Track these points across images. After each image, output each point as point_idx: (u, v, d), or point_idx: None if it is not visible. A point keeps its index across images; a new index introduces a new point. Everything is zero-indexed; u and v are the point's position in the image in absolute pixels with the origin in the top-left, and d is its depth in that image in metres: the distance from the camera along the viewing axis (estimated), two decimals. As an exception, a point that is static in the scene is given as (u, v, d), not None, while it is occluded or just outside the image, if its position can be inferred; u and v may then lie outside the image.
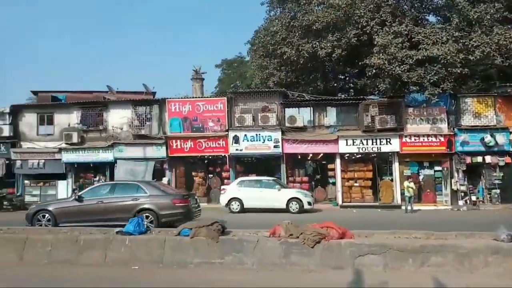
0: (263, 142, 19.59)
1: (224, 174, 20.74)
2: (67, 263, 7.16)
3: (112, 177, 20.82)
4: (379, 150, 19.07)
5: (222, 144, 20.01)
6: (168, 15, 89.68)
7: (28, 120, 21.96)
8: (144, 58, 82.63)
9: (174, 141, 20.26)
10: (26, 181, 21.67)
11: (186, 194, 12.27)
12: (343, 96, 25.85)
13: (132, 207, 10.62)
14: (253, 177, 18.30)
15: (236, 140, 19.74)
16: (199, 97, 21.92)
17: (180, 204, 10.85)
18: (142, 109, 21.12)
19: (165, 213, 10.57)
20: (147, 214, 10.28)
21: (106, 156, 20.67)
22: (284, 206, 16.23)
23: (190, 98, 22.08)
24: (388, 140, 18.90)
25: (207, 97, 22.85)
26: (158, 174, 20.56)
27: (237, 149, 19.78)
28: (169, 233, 7.94)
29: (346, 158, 19.90)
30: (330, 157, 19.93)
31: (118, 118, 21.12)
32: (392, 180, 19.15)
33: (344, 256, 6.56)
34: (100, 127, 21.25)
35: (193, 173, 21.19)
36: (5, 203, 19.76)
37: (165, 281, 6.13)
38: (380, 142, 18.99)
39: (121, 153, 20.56)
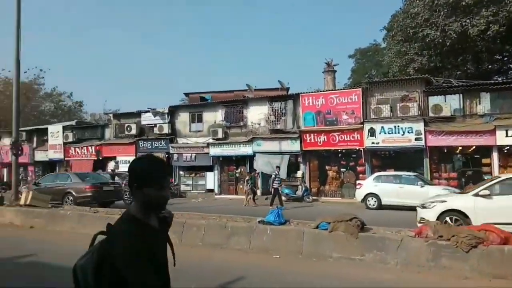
0: (402, 135, 18.26)
1: (358, 169, 20.07)
2: (218, 247, 7.97)
3: (251, 169, 22.29)
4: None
5: (357, 137, 19.38)
6: (299, 7, 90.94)
7: (182, 119, 25.11)
8: (277, 54, 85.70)
9: (307, 135, 20.51)
10: (181, 172, 24.88)
11: (100, 182, 15.84)
12: (500, 79, 22.19)
13: (62, 190, 14.99)
14: (392, 172, 17.21)
15: (372, 132, 18.88)
16: (332, 90, 21.67)
17: (91, 190, 14.73)
18: (278, 105, 21.98)
19: (79, 195, 14.58)
20: (69, 196, 14.77)
21: (246, 150, 22.20)
22: (428, 205, 14.82)
23: (323, 91, 21.99)
24: None
25: (341, 89, 22.41)
26: (292, 167, 21.15)
27: (373, 142, 18.90)
28: (307, 226, 8.11)
29: (506, 151, 17.07)
30: (484, 150, 17.37)
31: (256, 114, 22.47)
32: None
33: (508, 265, 5.67)
34: (241, 123, 22.93)
35: (327, 167, 21.10)
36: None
37: (308, 273, 6.26)
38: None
39: (259, 147, 21.79)
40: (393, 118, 18.54)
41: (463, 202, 8.98)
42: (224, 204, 17.73)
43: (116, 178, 19.96)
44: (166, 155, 24.77)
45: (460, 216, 8.74)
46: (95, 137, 28.23)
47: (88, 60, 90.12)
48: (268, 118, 22.07)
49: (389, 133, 18.50)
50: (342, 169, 20.87)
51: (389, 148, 19.05)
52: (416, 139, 17.91)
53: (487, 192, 8.61)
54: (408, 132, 18.09)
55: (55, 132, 29.33)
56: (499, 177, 9.73)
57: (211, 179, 23.68)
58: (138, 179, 1.73)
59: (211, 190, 23.41)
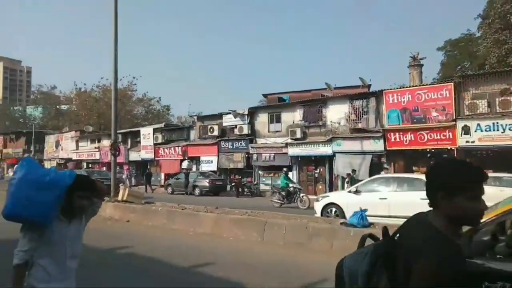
0: (502, 132, 16.39)
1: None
2: (299, 246, 7.94)
3: (331, 170, 21.86)
4: None
5: (449, 135, 17.87)
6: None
7: (261, 120, 25.56)
8: (358, 50, 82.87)
9: (392, 133, 19.46)
10: (260, 172, 25.34)
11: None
12: None
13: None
14: (491, 174, 15.51)
15: (466, 130, 17.25)
16: (419, 85, 20.26)
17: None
18: (359, 103, 21.22)
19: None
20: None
21: (325, 150, 21.81)
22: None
23: (409, 87, 20.67)
24: None
25: (429, 84, 20.85)
26: (375, 168, 20.23)
27: (467, 141, 17.25)
28: (392, 229, 7.68)
29: None
30: None
31: (336, 113, 21.97)
32: None
33: None
34: (320, 122, 22.59)
35: (414, 168, 19.74)
36: (245, 190, 23.61)
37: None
38: None
39: (339, 147, 21.25)
40: (491, 114, 16.75)
41: (339, 197, 11.44)
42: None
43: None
44: (246, 155, 25.42)
45: (338, 208, 10.85)
46: (182, 138, 30.06)
47: (173, 67, 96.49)
48: (349, 117, 21.42)
49: (486, 131, 16.75)
50: (431, 170, 19.38)
51: (486, 148, 17.24)
52: (520, 137, 15.95)
53: (354, 189, 10.88)
54: (510, 129, 16.19)
55: (146, 134, 31.86)
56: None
57: (290, 179, 23.68)
58: (448, 185, 1.42)
59: (290, 190, 23.42)
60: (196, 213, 10.53)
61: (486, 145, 16.97)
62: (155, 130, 31.75)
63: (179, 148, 29.16)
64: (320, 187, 22.41)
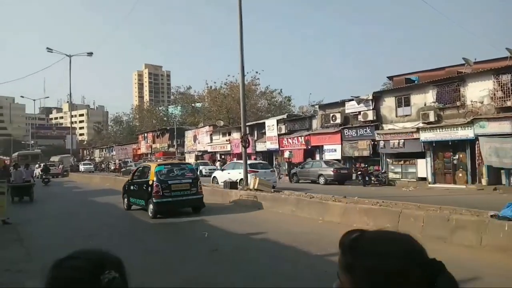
0: None
1: None
2: (440, 240, 7.29)
3: (473, 156, 19.39)
4: None
5: None
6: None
7: (387, 104, 24.06)
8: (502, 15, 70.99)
9: (554, 110, 16.25)
10: (388, 160, 23.95)
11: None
12: None
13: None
14: None
15: None
16: None
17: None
18: (507, 78, 18.20)
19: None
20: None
21: (465, 133, 19.41)
22: None
23: None
24: None
25: None
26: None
27: None
28: None
29: None
30: None
31: (477, 92, 19.30)
32: None
33: None
34: (457, 103, 20.16)
35: None
36: (372, 178, 22.61)
37: None
38: None
39: (483, 129, 18.65)
40: None
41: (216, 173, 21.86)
42: (441, 194, 16.07)
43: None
44: (372, 142, 24.32)
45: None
46: (304, 128, 30.37)
47: (293, 58, 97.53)
48: (494, 94, 18.60)
49: None
50: None
51: None
52: None
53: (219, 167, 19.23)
54: None
55: (271, 126, 33.12)
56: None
57: (423, 167, 21.83)
58: None
59: (423, 179, 21.60)
60: (324, 202, 10.56)
61: None
62: (278, 121, 32.76)
63: (302, 137, 29.52)
64: (460, 175, 20.08)
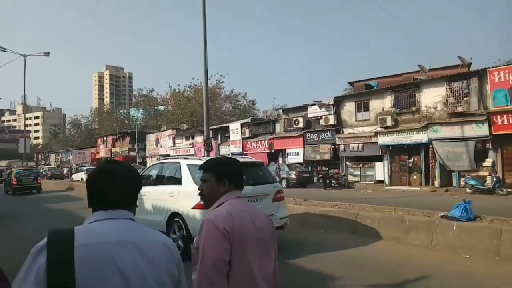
0: None
1: None
2: (394, 241, 7.57)
3: (427, 159, 20.33)
4: None
5: None
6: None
7: (348, 109, 24.76)
8: (455, 26, 75.34)
9: (499, 116, 17.37)
10: (348, 163, 24.62)
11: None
12: None
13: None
14: None
15: None
16: (532, 60, 17.72)
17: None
18: (458, 84, 19.31)
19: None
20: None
21: (420, 137, 20.34)
22: None
23: (519, 62, 18.20)
24: None
25: (544, 57, 18.12)
26: (479, 155, 18.31)
27: None
28: (505, 223, 6.91)
29: None
30: None
31: (431, 97, 20.32)
32: None
33: None
34: (413, 108, 21.10)
35: (528, 154, 17.45)
36: (333, 181, 23.16)
37: (509, 278, 5.33)
38: None
39: (436, 133, 19.63)
40: None
41: None
42: (396, 196, 16.69)
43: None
44: (333, 146, 24.91)
45: None
46: (267, 131, 30.61)
47: (257, 62, 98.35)
48: (447, 100, 19.65)
49: None
50: (549, 156, 16.93)
51: None
52: None
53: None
54: None
55: (235, 129, 33.11)
56: None
57: (380, 170, 22.66)
58: None
59: (381, 181, 22.40)
60: (286, 205, 10.64)
61: None
62: (242, 125, 32.82)
63: (266, 141, 29.74)
64: (415, 177, 21.01)
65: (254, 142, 31.01)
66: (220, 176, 1.78)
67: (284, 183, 23.15)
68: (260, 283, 1.64)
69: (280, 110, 31.47)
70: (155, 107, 60.79)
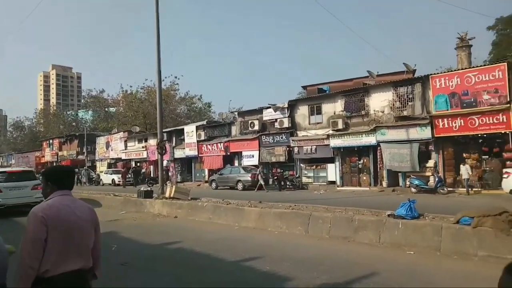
0: None
1: (505, 155, 17.33)
2: (345, 240, 7.83)
3: (375, 160, 21.26)
4: None
5: (502, 119, 16.77)
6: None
7: (302, 112, 25.31)
8: (401, 34, 79.61)
9: (440, 120, 18.57)
10: (302, 165, 25.15)
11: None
12: None
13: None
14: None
15: (522, 113, 16.10)
16: (469, 68, 19.13)
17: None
18: (404, 90, 20.40)
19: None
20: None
21: (369, 140, 21.23)
22: None
23: (458, 70, 19.57)
24: None
25: (479, 66, 19.63)
26: (423, 156, 19.45)
27: (524, 124, 16.11)
28: (445, 220, 7.39)
29: None
30: None
31: (379, 102, 21.29)
32: None
33: None
34: (362, 112, 21.99)
35: (464, 155, 18.74)
36: (287, 183, 23.54)
37: (448, 272, 5.70)
38: None
39: (384, 136, 20.60)
40: (552, 94, 15.48)
41: None
42: (347, 196, 17.31)
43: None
44: (287, 148, 25.33)
45: None
46: (223, 134, 30.51)
47: (213, 64, 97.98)
48: (393, 104, 20.68)
49: (546, 112, 15.53)
50: (483, 157, 18.34)
51: (546, 130, 16.00)
52: None
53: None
54: None
55: (190, 132, 32.66)
56: None
57: (332, 171, 23.38)
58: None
59: (333, 182, 23.11)
60: (241, 208, 10.69)
61: (547, 128, 15.73)
62: (197, 128, 32.46)
63: (221, 144, 29.63)
64: (365, 178, 21.89)
65: (209, 145, 30.78)
66: (47, 180, 2.53)
67: (240, 185, 23.26)
68: (72, 255, 2.35)
69: (236, 113, 31.51)
70: (106, 109, 58.50)
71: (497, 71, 17.12)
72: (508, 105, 16.51)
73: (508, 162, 16.85)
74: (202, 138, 31.47)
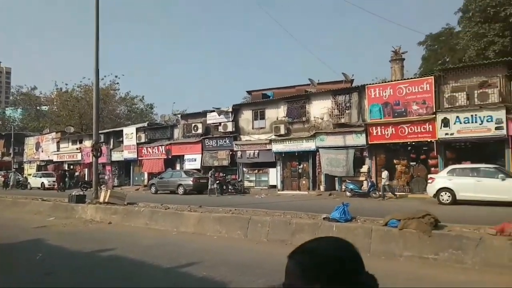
0: (480, 124, 16.76)
1: (430, 162, 18.83)
2: (282, 243, 7.96)
3: (314, 165, 21.99)
4: None
5: (429, 128, 18.19)
6: None
7: (245, 117, 25.50)
8: (341, 45, 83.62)
9: (374, 128, 19.70)
10: (244, 169, 25.29)
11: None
12: None
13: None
14: (468, 165, 15.86)
15: (445, 123, 17.58)
16: (400, 80, 20.53)
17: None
18: (342, 98, 21.38)
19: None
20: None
21: (309, 145, 21.92)
22: (511, 199, 13.45)
23: (391, 81, 20.91)
24: None
25: (410, 78, 21.16)
26: (358, 162, 20.48)
27: (446, 134, 17.59)
28: (375, 223, 7.79)
29: None
30: None
31: (319, 109, 22.09)
32: None
33: None
34: (303, 118, 22.67)
35: (395, 161, 20.06)
36: (229, 187, 23.53)
37: (376, 272, 5.99)
38: None
39: (323, 142, 21.39)
40: (470, 107, 17.10)
41: None
42: (287, 200, 17.69)
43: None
44: (230, 152, 25.35)
45: None
46: (165, 137, 29.78)
47: (158, 65, 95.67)
48: (332, 112, 21.56)
49: (465, 123, 17.10)
50: (411, 163, 19.74)
51: (465, 139, 17.62)
52: (497, 128, 16.34)
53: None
54: (487, 121, 16.57)
55: (129, 134, 31.45)
56: None
57: (273, 175, 23.78)
58: None
59: (274, 186, 23.52)
60: (180, 213, 10.47)
61: (465, 137, 17.33)
62: (138, 130, 31.37)
63: (163, 147, 28.89)
64: (304, 182, 22.55)
65: (150, 147, 29.86)
66: None
67: (181, 189, 22.79)
68: None
69: (179, 116, 30.93)
70: (37, 107, 54.44)
71: (425, 84, 18.56)
72: (434, 115, 17.94)
73: (432, 169, 18.30)
74: (143, 140, 30.46)
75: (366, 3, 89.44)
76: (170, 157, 28.39)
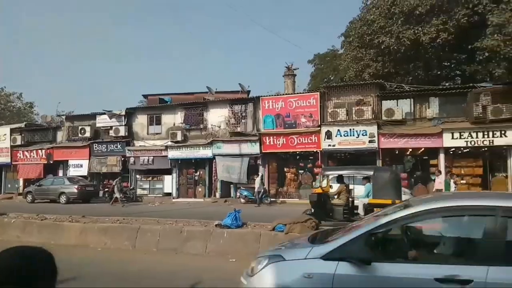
0: (357, 137, 18.87)
1: (316, 170, 20.52)
2: (173, 252, 7.82)
3: (211, 172, 22.13)
4: (491, 143, 16.92)
5: (314, 139, 19.81)
6: (260, 14, 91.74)
7: (140, 121, 24.45)
8: (239, 57, 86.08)
9: (267, 137, 20.68)
10: (138, 176, 24.19)
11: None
12: (448, 85, 23.52)
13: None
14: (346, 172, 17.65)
15: (328, 135, 19.36)
16: (290, 94, 21.99)
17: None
18: (238, 108, 21.98)
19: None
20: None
21: (206, 152, 21.99)
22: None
23: (283, 95, 22.26)
24: (503, 132, 16.67)
25: (299, 93, 22.81)
26: (252, 169, 21.24)
27: (329, 145, 19.39)
28: (264, 228, 8.16)
29: (452, 152, 18.13)
30: (432, 152, 18.30)
31: (216, 117, 22.33)
32: (506, 177, 16.92)
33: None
34: (201, 125, 22.66)
35: (285, 169, 21.38)
36: (120, 195, 22.16)
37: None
38: (493, 134, 16.81)
39: (219, 149, 21.67)
40: (349, 122, 19.12)
41: None
42: (182, 208, 17.44)
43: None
44: (122, 158, 24.02)
45: None
46: (46, 140, 26.84)
47: (42, 61, 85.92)
48: (229, 121, 22.01)
49: (344, 136, 19.06)
50: (300, 171, 21.23)
51: (344, 150, 19.64)
52: (370, 141, 18.58)
53: None
54: (363, 134, 18.73)
55: (2, 135, 27.59)
56: None
57: (169, 183, 23.22)
58: None
59: (169, 194, 22.97)
60: (59, 223, 9.53)
61: (344, 148, 19.32)
62: (13, 131, 27.68)
63: (43, 151, 25.98)
64: (200, 189, 22.50)
65: (27, 151, 26.57)
66: None
67: (64, 198, 20.68)
68: None
69: (63, 117, 28.19)
70: None
71: (312, 99, 20.21)
72: (319, 128, 19.60)
73: (317, 176, 19.91)
74: (18, 143, 26.98)
75: (264, 17, 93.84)
76: (51, 162, 25.66)
